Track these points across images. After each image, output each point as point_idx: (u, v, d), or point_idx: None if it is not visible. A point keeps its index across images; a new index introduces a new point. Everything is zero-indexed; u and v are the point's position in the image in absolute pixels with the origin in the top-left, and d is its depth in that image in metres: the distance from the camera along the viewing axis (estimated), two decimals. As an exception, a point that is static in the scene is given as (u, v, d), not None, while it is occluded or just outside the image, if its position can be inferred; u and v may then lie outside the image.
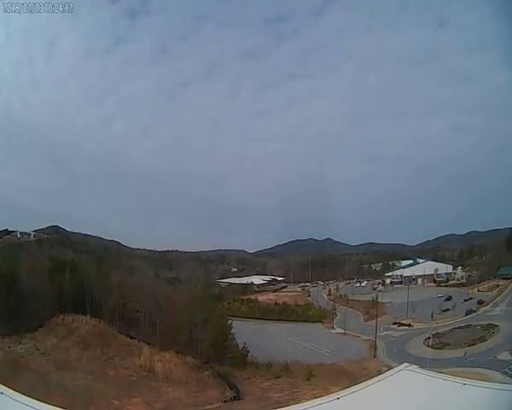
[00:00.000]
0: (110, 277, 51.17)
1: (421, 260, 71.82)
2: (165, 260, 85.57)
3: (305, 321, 59.14)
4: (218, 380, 38.00)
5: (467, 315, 51.01)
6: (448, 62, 73.34)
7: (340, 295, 68.67)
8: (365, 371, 37.09)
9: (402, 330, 51.66)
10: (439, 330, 46.77)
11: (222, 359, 41.94)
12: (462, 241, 76.59)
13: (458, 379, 4.18)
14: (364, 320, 57.79)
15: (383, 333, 50.57)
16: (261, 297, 69.33)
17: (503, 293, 54.43)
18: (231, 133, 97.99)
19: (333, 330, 55.97)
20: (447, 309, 53.26)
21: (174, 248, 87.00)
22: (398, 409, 3.98)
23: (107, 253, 73.84)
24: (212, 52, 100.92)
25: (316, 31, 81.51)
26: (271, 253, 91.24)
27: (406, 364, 4.78)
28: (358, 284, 74.19)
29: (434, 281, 65.69)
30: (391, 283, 70.10)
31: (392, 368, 5.01)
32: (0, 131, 70.45)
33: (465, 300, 55.30)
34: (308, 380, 37.15)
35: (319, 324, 58.76)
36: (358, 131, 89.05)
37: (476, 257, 72.71)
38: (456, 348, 42.76)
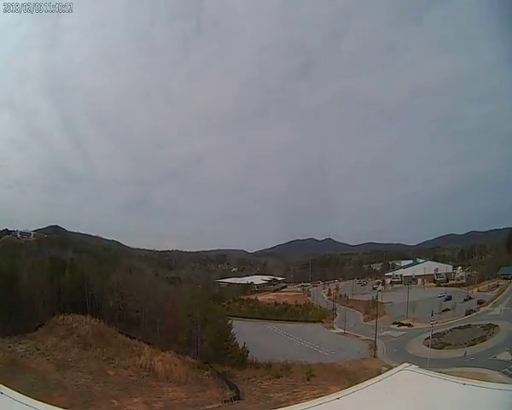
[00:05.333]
0: (110, 277, 51.12)
1: (421, 260, 71.81)
2: (165, 260, 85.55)
3: (305, 321, 59.15)
4: (218, 380, 38.00)
5: (467, 315, 51.00)
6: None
7: (340, 295, 68.71)
8: (365, 371, 37.09)
9: (402, 330, 51.67)
10: (439, 330, 46.80)
11: (222, 359, 41.92)
12: (462, 241, 76.54)
13: (458, 379, 4.17)
14: (364, 320, 57.79)
15: (383, 333, 50.54)
16: (261, 297, 69.33)
17: (503, 293, 54.40)
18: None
19: (333, 330, 55.97)
20: (447, 309, 53.28)
21: (174, 248, 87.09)
22: (398, 409, 3.98)
23: (107, 253, 73.82)
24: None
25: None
26: (271, 253, 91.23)
27: (406, 364, 4.78)
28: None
29: (434, 281, 65.67)
30: (391, 283, 70.14)
31: (392, 368, 5.01)
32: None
33: (465, 300, 55.31)
34: (308, 380, 37.18)
35: (319, 324, 58.76)
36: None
37: (476, 257, 72.68)
38: (457, 347, 42.74)
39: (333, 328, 56.58)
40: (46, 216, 72.39)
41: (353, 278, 77.09)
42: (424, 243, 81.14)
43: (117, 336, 43.55)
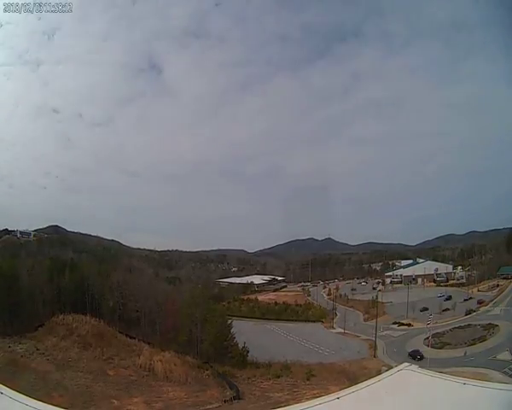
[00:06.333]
0: (110, 276, 51.08)
1: (421, 260, 71.81)
2: (165, 260, 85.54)
3: (305, 321, 59.17)
4: (218, 380, 38.01)
5: (467, 315, 51.02)
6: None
7: (340, 295, 68.74)
8: (365, 370, 37.10)
9: (402, 330, 51.68)
10: (439, 330, 46.83)
11: (222, 358, 41.93)
12: (462, 241, 76.52)
13: (458, 379, 4.17)
14: (364, 320, 57.80)
15: (383, 333, 50.55)
16: (261, 297, 69.33)
17: (503, 293, 54.43)
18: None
19: (333, 330, 55.99)
20: (447, 309, 53.30)
21: (174, 248, 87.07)
22: (398, 409, 3.98)
23: (107, 253, 73.76)
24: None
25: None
26: (271, 253, 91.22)
27: (406, 364, 4.78)
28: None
29: (434, 281, 65.70)
30: (391, 282, 70.18)
31: (391, 368, 5.01)
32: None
33: (465, 299, 55.33)
34: (308, 380, 37.18)
35: (319, 323, 58.78)
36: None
37: (476, 257, 72.64)
38: (456, 347, 42.77)
39: (333, 328, 56.59)
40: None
41: (353, 278, 77.13)
42: (424, 243, 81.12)
43: (117, 336, 43.56)
